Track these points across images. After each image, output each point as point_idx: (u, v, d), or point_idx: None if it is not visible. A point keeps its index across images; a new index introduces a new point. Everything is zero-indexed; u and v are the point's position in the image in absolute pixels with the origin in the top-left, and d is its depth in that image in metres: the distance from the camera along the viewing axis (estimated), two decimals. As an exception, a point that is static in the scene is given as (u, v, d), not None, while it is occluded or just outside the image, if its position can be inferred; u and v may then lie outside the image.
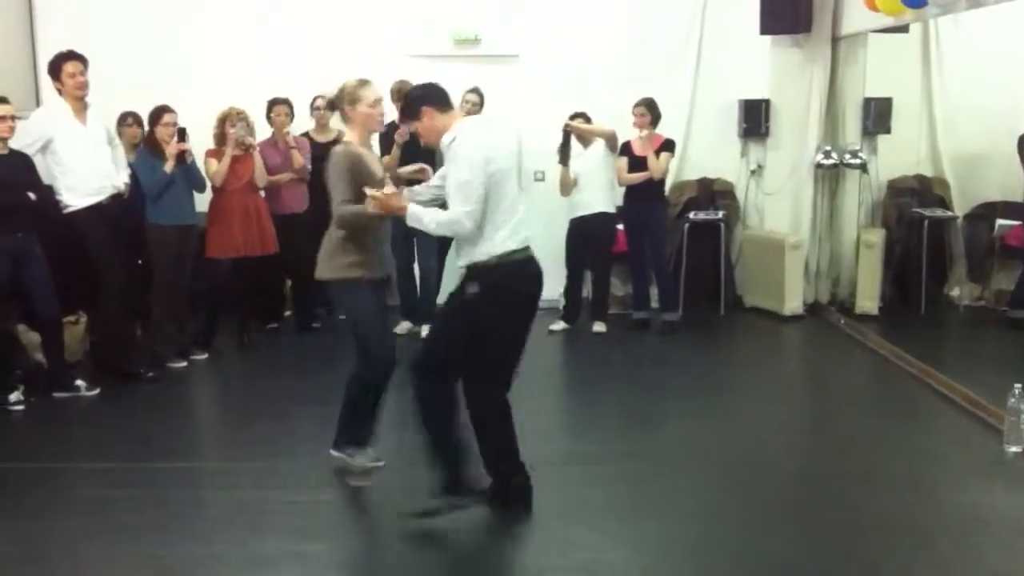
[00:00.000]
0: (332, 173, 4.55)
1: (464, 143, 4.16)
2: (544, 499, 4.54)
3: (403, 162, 7.41)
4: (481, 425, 4.33)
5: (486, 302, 4.21)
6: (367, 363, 4.73)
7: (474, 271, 4.23)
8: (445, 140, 4.25)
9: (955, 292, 8.91)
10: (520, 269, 4.28)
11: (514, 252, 4.23)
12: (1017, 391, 5.05)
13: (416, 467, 4.63)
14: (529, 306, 4.35)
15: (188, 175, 6.93)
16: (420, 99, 4.31)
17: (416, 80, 7.63)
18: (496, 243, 4.18)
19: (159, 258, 6.87)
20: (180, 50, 8.56)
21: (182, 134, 6.86)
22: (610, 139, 7.85)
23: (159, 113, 6.87)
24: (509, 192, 4.25)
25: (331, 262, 4.66)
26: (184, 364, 7.00)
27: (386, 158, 7.61)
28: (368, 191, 4.36)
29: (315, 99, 8.13)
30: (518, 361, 4.39)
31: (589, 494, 4.63)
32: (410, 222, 4.30)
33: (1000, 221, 8.57)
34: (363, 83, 4.69)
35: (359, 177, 4.50)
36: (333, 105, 4.87)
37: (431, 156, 7.59)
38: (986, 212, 8.81)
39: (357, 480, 4.70)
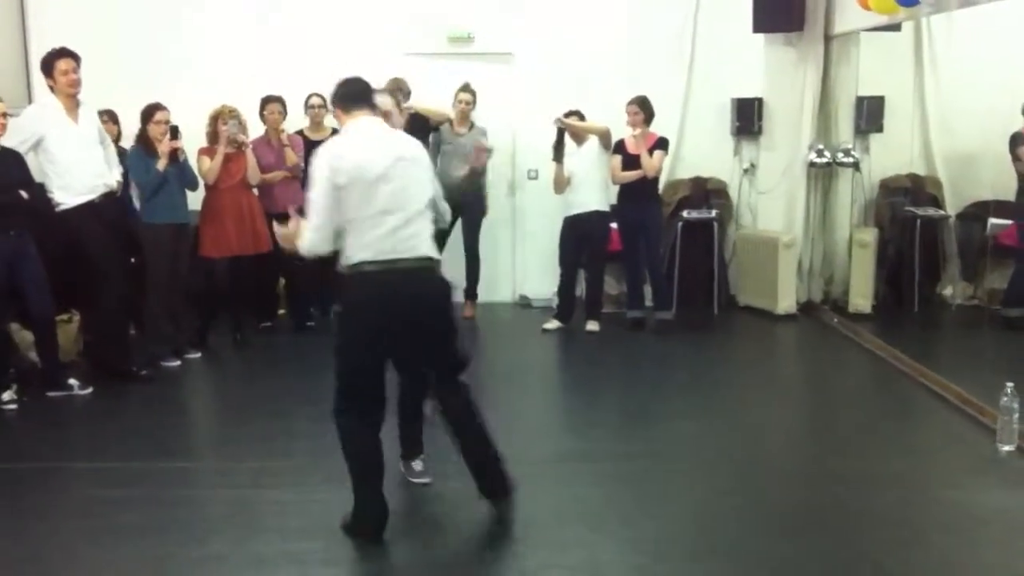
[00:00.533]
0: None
1: (317, 158, 4.03)
2: (540, 498, 4.54)
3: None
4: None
5: (340, 317, 4.26)
6: None
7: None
8: None
9: (948, 291, 8.93)
10: (369, 283, 4.02)
11: (365, 263, 4.00)
12: (1009, 390, 5.07)
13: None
14: (383, 326, 4.01)
15: (181, 173, 6.92)
16: (333, 96, 4.22)
17: (410, 77, 7.76)
18: (350, 254, 4.04)
19: (153, 257, 6.86)
20: (173, 47, 8.55)
21: (174, 132, 6.84)
22: (604, 136, 7.86)
23: (151, 111, 6.85)
24: (373, 204, 3.96)
25: None
26: (178, 363, 6.98)
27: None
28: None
29: (309, 97, 8.12)
30: (376, 391, 4.12)
31: (585, 493, 4.64)
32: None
33: (993, 220, 8.59)
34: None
35: None
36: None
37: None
38: (979, 211, 8.82)
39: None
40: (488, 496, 4.34)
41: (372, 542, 4.09)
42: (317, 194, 3.98)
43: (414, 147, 4.21)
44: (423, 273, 4.08)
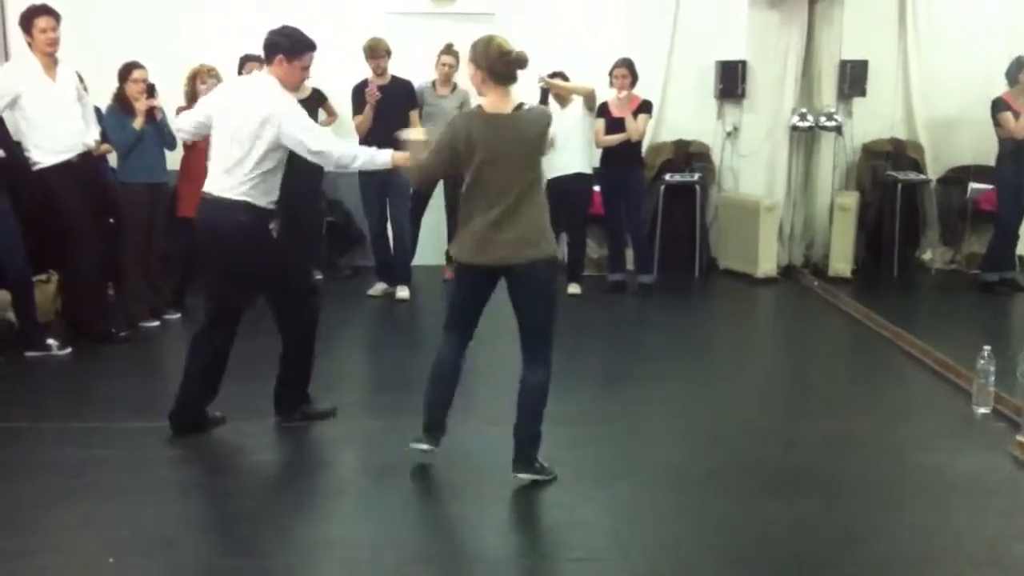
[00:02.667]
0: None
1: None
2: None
3: (376, 121, 7.38)
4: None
5: None
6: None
7: None
8: None
9: (928, 255, 8.99)
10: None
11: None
12: (986, 353, 5.10)
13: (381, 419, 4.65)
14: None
15: (158, 132, 6.85)
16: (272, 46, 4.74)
17: (391, 38, 7.69)
18: None
19: (130, 217, 6.80)
20: (152, 6, 8.43)
21: (151, 90, 6.77)
22: (589, 97, 7.80)
23: (128, 69, 6.77)
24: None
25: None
26: (157, 324, 6.95)
27: (357, 118, 7.57)
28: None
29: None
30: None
31: (563, 454, 4.64)
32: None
33: (973, 185, 8.63)
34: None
35: None
36: None
37: (404, 116, 7.58)
38: (959, 176, 8.86)
39: None
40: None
41: (351, 500, 4.09)
42: None
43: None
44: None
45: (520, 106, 4.19)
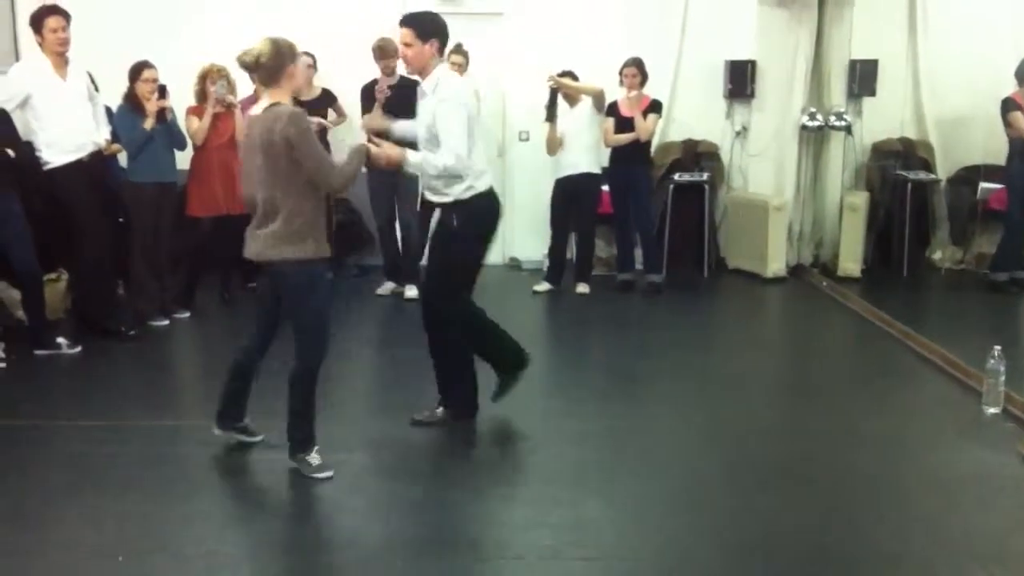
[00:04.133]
0: (305, 137, 4.09)
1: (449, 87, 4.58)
2: (526, 457, 4.57)
3: (391, 113, 7.38)
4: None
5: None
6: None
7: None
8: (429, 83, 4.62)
9: (937, 255, 8.96)
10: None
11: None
12: (996, 353, 5.08)
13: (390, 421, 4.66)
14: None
15: (168, 132, 6.87)
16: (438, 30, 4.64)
17: (399, 38, 7.68)
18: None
19: (139, 216, 6.82)
20: (163, 6, 8.46)
21: (163, 91, 6.79)
22: (597, 97, 7.81)
23: (139, 69, 6.79)
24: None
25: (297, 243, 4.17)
26: (166, 322, 6.97)
27: (367, 116, 7.57)
28: (367, 145, 4.40)
29: (299, 56, 8.03)
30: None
31: (572, 452, 4.66)
32: (413, 169, 4.61)
33: (983, 184, 8.61)
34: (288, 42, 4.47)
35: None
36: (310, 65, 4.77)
37: (413, 115, 7.58)
38: (969, 175, 8.84)
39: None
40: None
41: (361, 499, 4.10)
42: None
43: None
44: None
45: (272, 106, 4.19)
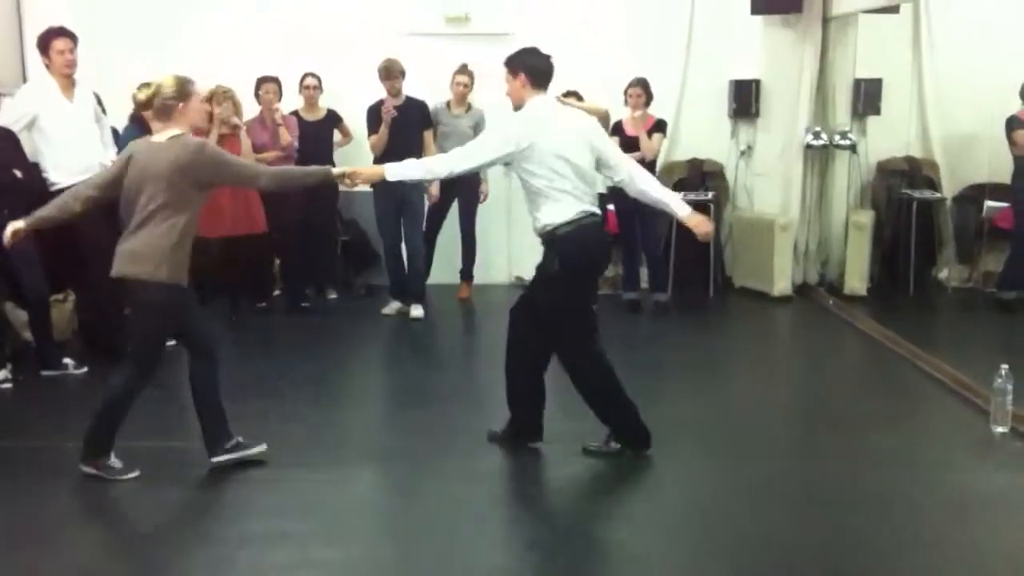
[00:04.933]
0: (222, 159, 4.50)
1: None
2: (534, 475, 4.56)
3: (391, 141, 7.41)
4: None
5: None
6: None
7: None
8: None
9: (943, 273, 8.94)
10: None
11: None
12: (1004, 372, 5.07)
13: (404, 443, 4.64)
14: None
15: None
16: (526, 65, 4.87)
17: (407, 58, 7.73)
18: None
19: None
20: (169, 28, 8.50)
21: None
22: (603, 118, 7.78)
23: None
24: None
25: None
26: (172, 343, 6.95)
27: (373, 137, 7.60)
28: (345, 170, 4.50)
29: (305, 77, 8.10)
30: None
31: (579, 471, 4.65)
32: (393, 178, 4.63)
33: (989, 203, 8.60)
34: (190, 81, 4.55)
35: None
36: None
37: (419, 136, 7.63)
38: (975, 194, 8.83)
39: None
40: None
41: (371, 521, 4.09)
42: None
43: None
44: None
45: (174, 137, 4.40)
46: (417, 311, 7.74)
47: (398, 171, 4.67)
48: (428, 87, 8.09)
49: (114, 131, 6.91)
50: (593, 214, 4.61)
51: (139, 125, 6.78)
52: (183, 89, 4.43)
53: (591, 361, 4.71)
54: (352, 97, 8.17)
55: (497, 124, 4.63)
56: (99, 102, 6.67)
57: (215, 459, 4.58)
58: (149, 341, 4.46)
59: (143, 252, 4.32)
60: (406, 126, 7.50)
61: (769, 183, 9.04)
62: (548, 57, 4.76)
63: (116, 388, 4.44)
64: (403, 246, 7.91)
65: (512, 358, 4.78)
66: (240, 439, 4.65)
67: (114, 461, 4.45)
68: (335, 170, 4.77)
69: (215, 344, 4.69)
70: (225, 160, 4.49)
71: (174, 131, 4.40)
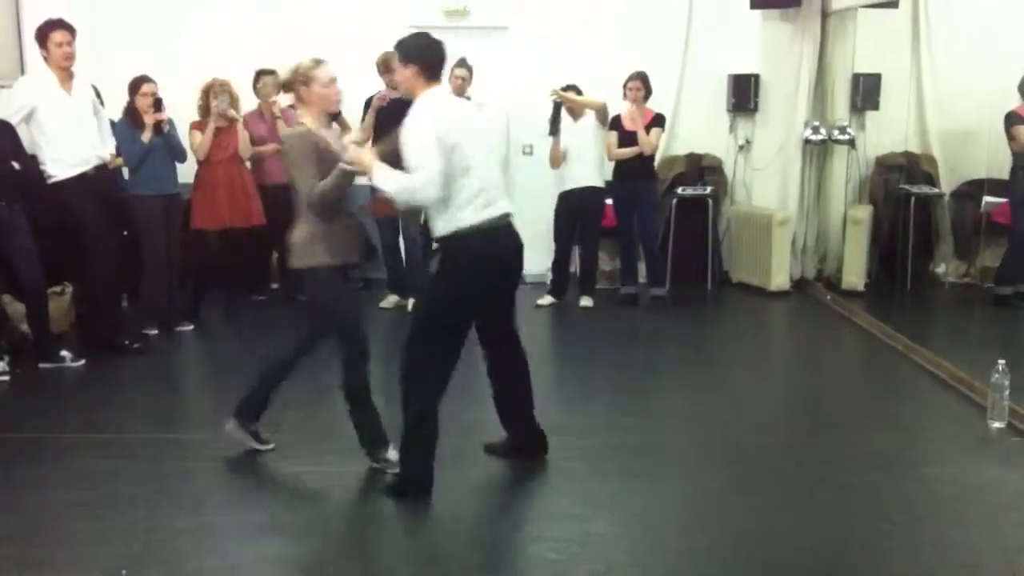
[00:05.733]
0: (294, 157, 4.32)
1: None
2: (532, 472, 4.56)
3: (380, 128, 7.38)
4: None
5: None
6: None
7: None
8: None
9: (941, 269, 8.94)
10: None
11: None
12: (1001, 367, 5.07)
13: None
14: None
15: (167, 145, 6.88)
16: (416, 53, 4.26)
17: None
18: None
19: (146, 228, 6.82)
20: (168, 20, 8.49)
21: (158, 104, 6.81)
22: (601, 112, 7.83)
23: (138, 83, 6.82)
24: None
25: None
26: (156, 332, 6.95)
27: (361, 126, 7.57)
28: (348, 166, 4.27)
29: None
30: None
31: (577, 466, 4.65)
32: (377, 183, 4.23)
33: (987, 198, 8.59)
34: (317, 63, 4.49)
35: (323, 160, 4.30)
36: (286, 87, 4.61)
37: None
38: (973, 189, 8.82)
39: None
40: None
41: (366, 513, 4.09)
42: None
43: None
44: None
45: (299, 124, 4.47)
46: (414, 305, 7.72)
47: (379, 178, 4.22)
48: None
49: (112, 124, 6.91)
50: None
51: (132, 118, 6.80)
52: (302, 72, 4.41)
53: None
54: (351, 91, 8.14)
55: (410, 132, 4.12)
56: (97, 95, 6.67)
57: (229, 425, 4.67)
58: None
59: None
60: (391, 119, 7.46)
61: (767, 178, 9.04)
62: (440, 44, 4.29)
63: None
64: (400, 239, 7.90)
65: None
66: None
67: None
68: (342, 166, 4.55)
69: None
70: (293, 163, 4.34)
71: (305, 118, 4.44)
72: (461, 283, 4.25)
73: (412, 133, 4.10)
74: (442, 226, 4.22)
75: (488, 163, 4.31)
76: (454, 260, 4.26)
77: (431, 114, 4.11)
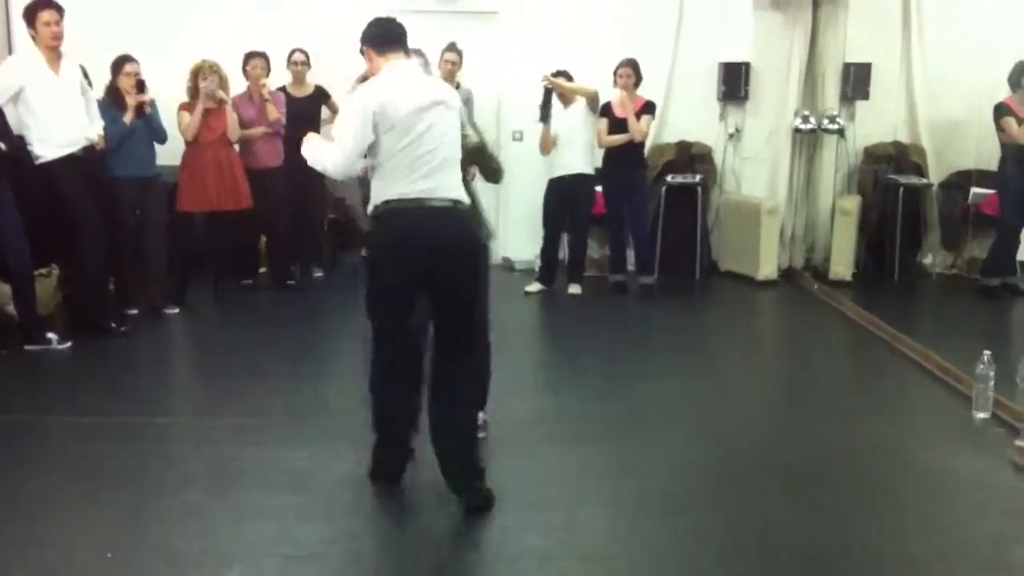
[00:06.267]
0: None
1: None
2: (519, 458, 4.57)
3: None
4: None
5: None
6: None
7: None
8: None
9: (928, 259, 8.98)
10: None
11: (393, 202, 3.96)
12: (986, 358, 5.09)
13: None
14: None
15: (148, 126, 6.85)
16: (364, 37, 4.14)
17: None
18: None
19: (119, 211, 6.78)
20: (157, 1, 8.43)
21: (141, 85, 6.78)
22: (592, 99, 7.81)
23: (121, 63, 6.80)
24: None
25: None
26: (135, 311, 6.96)
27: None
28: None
29: (292, 53, 8.05)
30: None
31: (564, 453, 4.65)
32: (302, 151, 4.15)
33: (975, 189, 8.64)
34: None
35: None
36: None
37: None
38: (961, 180, 8.86)
39: None
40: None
41: (354, 497, 4.10)
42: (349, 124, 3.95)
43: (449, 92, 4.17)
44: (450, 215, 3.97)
45: None
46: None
47: (304, 148, 4.16)
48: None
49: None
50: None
51: (114, 98, 6.76)
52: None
53: None
54: (342, 74, 8.12)
55: (344, 105, 4.16)
56: (85, 75, 6.62)
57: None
58: None
59: None
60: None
61: (757, 167, 9.05)
62: (388, 20, 4.15)
63: None
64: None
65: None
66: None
67: None
68: None
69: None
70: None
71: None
72: (373, 266, 4.12)
73: (344, 106, 4.15)
74: (370, 205, 4.04)
75: (424, 142, 3.91)
76: (370, 241, 4.16)
77: (369, 89, 4.01)
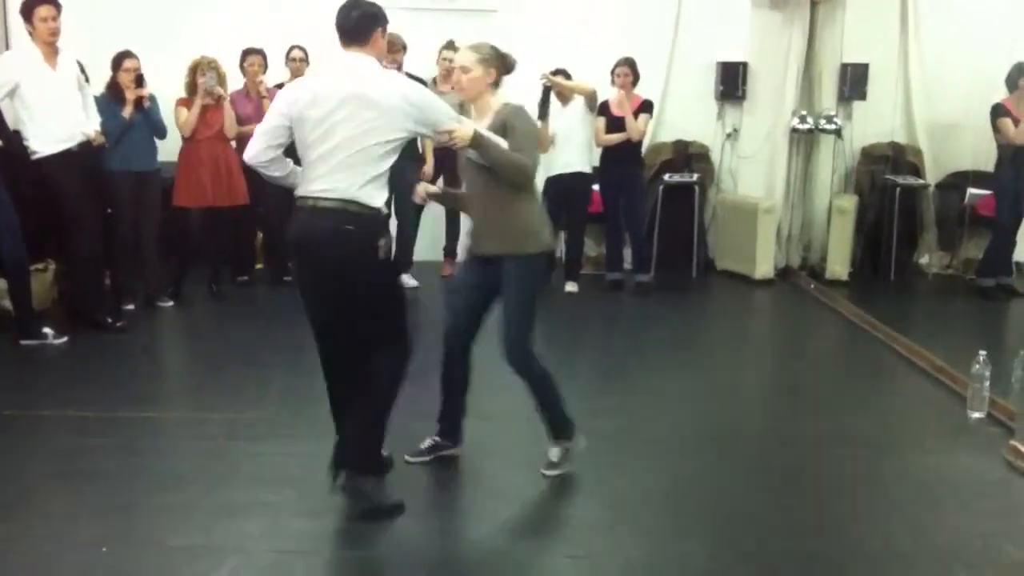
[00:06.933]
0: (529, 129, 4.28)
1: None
2: (514, 454, 4.57)
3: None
4: None
5: None
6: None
7: None
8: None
9: (924, 260, 8.99)
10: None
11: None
12: (981, 358, 5.11)
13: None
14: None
15: (147, 121, 6.85)
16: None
17: (391, 31, 7.67)
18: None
19: (115, 206, 6.79)
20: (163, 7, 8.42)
21: (140, 80, 6.78)
22: (590, 97, 7.81)
23: (120, 58, 6.81)
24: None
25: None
26: (132, 307, 6.97)
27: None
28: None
29: (291, 50, 8.04)
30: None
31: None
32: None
33: (971, 190, 8.64)
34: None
35: None
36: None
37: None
38: (958, 181, 8.87)
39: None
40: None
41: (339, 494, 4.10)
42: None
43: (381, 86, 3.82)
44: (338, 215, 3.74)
45: None
46: (409, 282, 7.68)
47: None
48: (414, 63, 8.05)
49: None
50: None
51: (113, 93, 6.77)
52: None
53: None
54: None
55: None
56: (82, 70, 6.61)
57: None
58: None
59: None
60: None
61: (754, 166, 9.05)
62: (341, 9, 3.88)
63: None
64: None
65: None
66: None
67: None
68: None
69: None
70: (527, 137, 4.34)
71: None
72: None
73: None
74: None
75: (329, 139, 3.74)
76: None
77: (294, 84, 4.02)
